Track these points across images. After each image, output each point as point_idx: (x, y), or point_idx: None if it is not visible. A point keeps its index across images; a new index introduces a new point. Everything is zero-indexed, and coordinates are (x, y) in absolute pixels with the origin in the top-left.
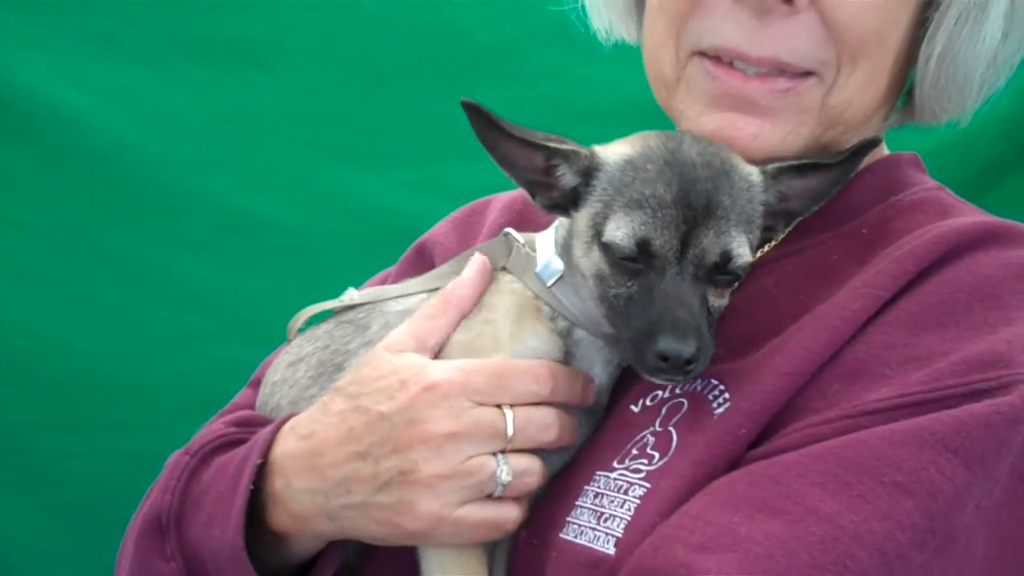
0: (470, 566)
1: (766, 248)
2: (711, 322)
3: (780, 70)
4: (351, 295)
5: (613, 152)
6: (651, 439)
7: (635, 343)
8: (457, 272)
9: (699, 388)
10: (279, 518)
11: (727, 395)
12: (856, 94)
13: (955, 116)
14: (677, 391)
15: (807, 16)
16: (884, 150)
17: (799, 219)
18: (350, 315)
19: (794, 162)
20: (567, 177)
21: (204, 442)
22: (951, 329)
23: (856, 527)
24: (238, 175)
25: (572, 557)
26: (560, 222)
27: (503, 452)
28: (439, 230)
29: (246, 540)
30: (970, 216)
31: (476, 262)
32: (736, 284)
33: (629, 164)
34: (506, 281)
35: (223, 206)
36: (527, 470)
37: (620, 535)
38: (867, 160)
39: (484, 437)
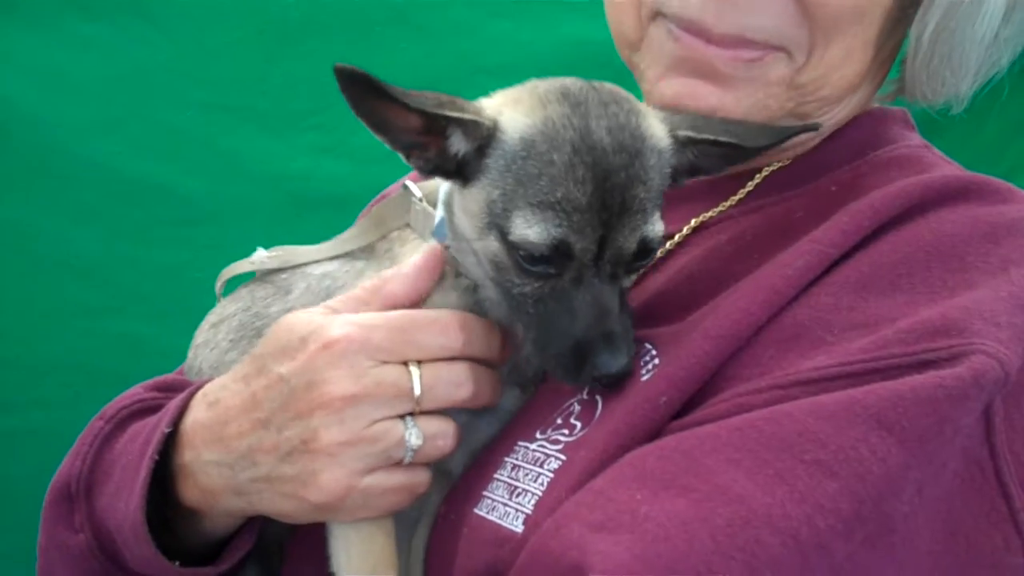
0: (375, 546)
1: (724, 205)
2: (628, 305)
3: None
4: (260, 256)
5: (511, 120)
6: (577, 407)
7: (561, 360)
8: (363, 234)
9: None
10: (190, 492)
11: (657, 360)
12: (832, 70)
13: (949, 99)
14: None
15: None
16: (872, 103)
17: (705, 175)
18: (272, 276)
19: (710, 137)
20: (458, 144)
21: (120, 407)
22: (905, 292)
23: (769, 510)
24: (133, 140)
25: (481, 534)
26: (442, 183)
27: (412, 415)
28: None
29: (163, 514)
30: (947, 170)
31: (423, 257)
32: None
33: (530, 146)
34: (412, 238)
35: (118, 173)
36: (439, 433)
37: (530, 511)
38: (851, 113)
39: (388, 398)
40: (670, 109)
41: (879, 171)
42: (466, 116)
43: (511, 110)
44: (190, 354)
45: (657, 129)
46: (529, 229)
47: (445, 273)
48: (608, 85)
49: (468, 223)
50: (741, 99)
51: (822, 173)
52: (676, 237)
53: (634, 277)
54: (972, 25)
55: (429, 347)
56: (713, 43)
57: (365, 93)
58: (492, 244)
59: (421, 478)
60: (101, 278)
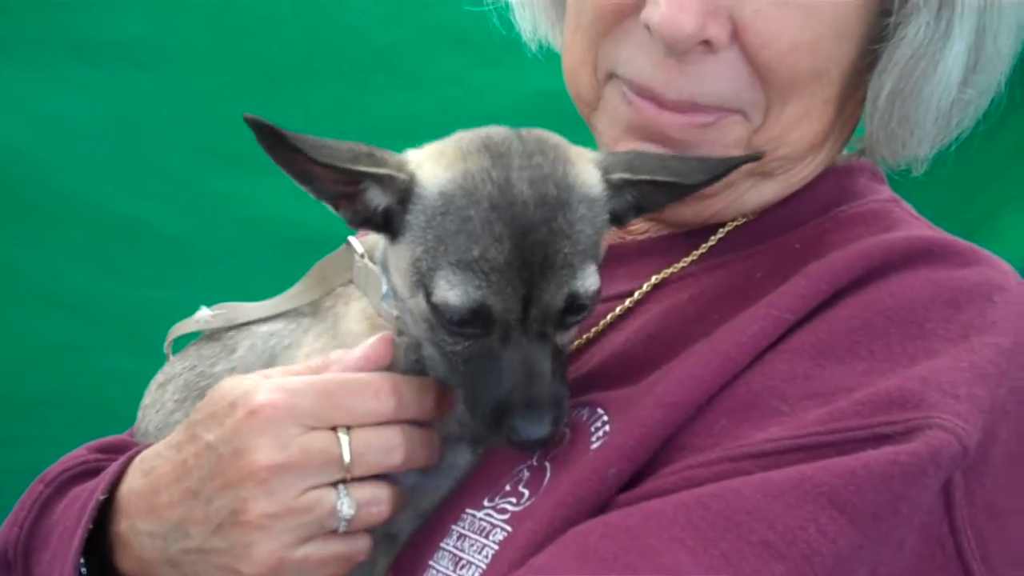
0: None
1: (685, 262)
2: (564, 363)
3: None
4: (204, 315)
5: (431, 175)
6: (526, 474)
7: (484, 419)
8: (307, 290)
9: (584, 417)
10: (126, 562)
11: (608, 427)
12: (790, 129)
13: (908, 161)
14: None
15: (729, 55)
16: (840, 158)
17: (649, 213)
18: (220, 332)
19: (646, 177)
20: (378, 199)
21: (62, 469)
22: (863, 360)
23: None
24: (122, 181)
25: None
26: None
27: (345, 482)
28: None
29: None
30: (912, 231)
31: (372, 345)
32: (581, 319)
33: (449, 202)
34: (356, 296)
35: (107, 213)
36: (372, 499)
37: None
38: (817, 169)
39: (317, 467)
40: None
41: (844, 227)
42: (380, 171)
43: (433, 163)
44: (139, 415)
45: (588, 176)
46: (450, 291)
47: (382, 328)
48: (537, 132)
49: (399, 280)
50: None
51: (787, 229)
52: (636, 295)
53: (572, 332)
54: (929, 87)
55: (359, 412)
56: (666, 108)
57: (276, 144)
58: (421, 303)
59: (360, 545)
60: (91, 315)
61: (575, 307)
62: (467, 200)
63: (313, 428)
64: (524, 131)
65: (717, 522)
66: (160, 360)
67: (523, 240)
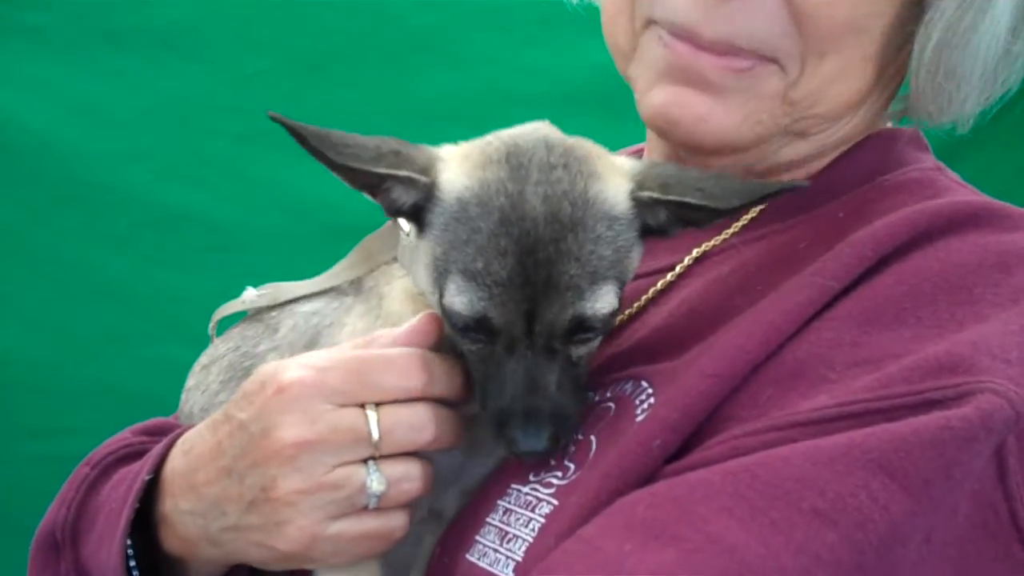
0: None
1: (726, 234)
2: (580, 374)
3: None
4: (250, 295)
5: (452, 179)
6: (571, 448)
7: (490, 425)
8: (352, 267)
9: (628, 391)
10: (171, 541)
11: (653, 399)
12: (827, 86)
13: (954, 118)
14: (608, 394)
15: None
16: (880, 124)
17: (697, 227)
18: (263, 314)
19: (675, 199)
20: (404, 197)
21: (107, 452)
22: (910, 326)
23: (764, 562)
24: (166, 169)
25: None
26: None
27: (375, 459)
28: None
29: (151, 561)
30: (957, 196)
31: (419, 321)
32: (599, 337)
33: (463, 210)
34: (397, 275)
35: (150, 201)
36: (404, 476)
37: (520, 559)
38: (854, 132)
39: (345, 444)
40: (658, 119)
41: (888, 196)
42: (399, 173)
43: (457, 166)
44: (182, 398)
45: (613, 193)
46: (456, 298)
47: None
48: (571, 142)
49: (423, 274)
50: (732, 110)
51: (829, 199)
52: (677, 268)
53: (591, 345)
54: (977, 37)
55: (387, 388)
56: (703, 50)
57: (302, 142)
58: (437, 301)
59: (395, 523)
60: (134, 305)
61: (582, 328)
62: (480, 210)
63: (342, 405)
64: (557, 139)
65: (766, 490)
66: (203, 348)
67: (527, 258)
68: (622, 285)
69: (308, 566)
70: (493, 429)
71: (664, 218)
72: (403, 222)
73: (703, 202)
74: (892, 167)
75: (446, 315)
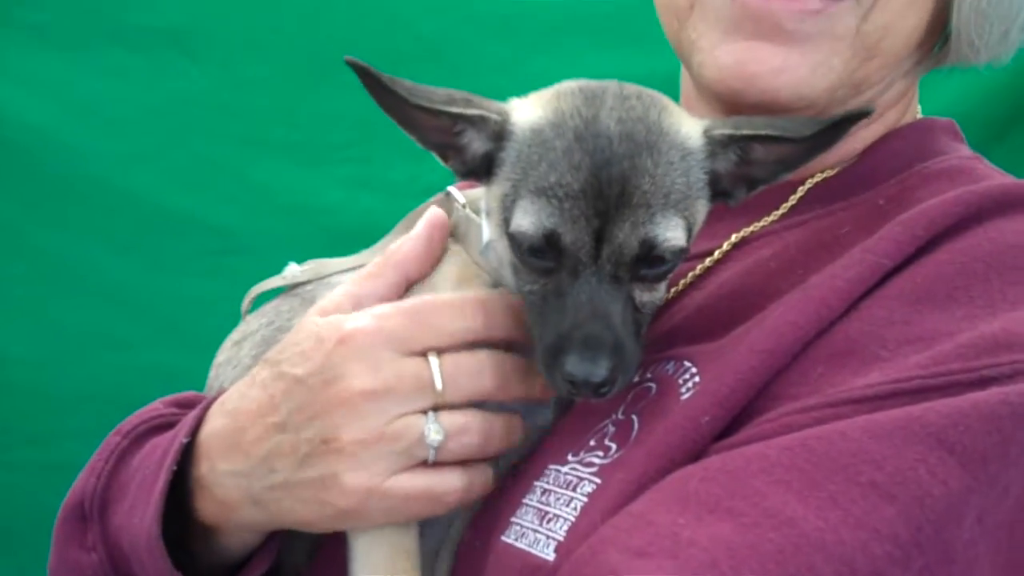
0: (398, 563)
1: (765, 220)
2: (640, 323)
3: None
4: (292, 270)
5: (526, 114)
6: (611, 428)
7: (544, 359)
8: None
9: (670, 371)
10: (206, 507)
11: (697, 378)
12: (897, 18)
13: (994, 54)
14: (648, 374)
15: None
16: (917, 113)
17: (764, 186)
18: (299, 289)
19: (749, 132)
20: (476, 143)
21: (139, 422)
22: (963, 305)
23: (822, 535)
24: (168, 171)
25: (509, 562)
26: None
27: (436, 409)
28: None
29: (177, 532)
30: (1002, 181)
31: (428, 218)
32: (668, 274)
33: (537, 135)
34: (451, 249)
35: (152, 204)
36: (464, 428)
37: (562, 538)
38: (895, 123)
39: (409, 392)
40: (729, 78)
41: (929, 183)
42: (472, 112)
43: (529, 105)
44: (211, 374)
45: (688, 128)
46: (524, 219)
47: (483, 285)
48: (644, 88)
49: (491, 226)
50: (807, 54)
51: (868, 186)
52: (716, 253)
53: (659, 294)
54: None
55: (448, 331)
56: None
57: (375, 86)
58: (507, 242)
59: (449, 482)
60: (135, 308)
61: (651, 258)
62: (554, 132)
63: (405, 353)
64: (631, 84)
65: (823, 464)
66: (205, 353)
67: (600, 171)
68: (690, 230)
69: (358, 525)
70: (547, 362)
71: (734, 164)
72: (457, 193)
73: (777, 132)
74: (929, 155)
75: (513, 243)
